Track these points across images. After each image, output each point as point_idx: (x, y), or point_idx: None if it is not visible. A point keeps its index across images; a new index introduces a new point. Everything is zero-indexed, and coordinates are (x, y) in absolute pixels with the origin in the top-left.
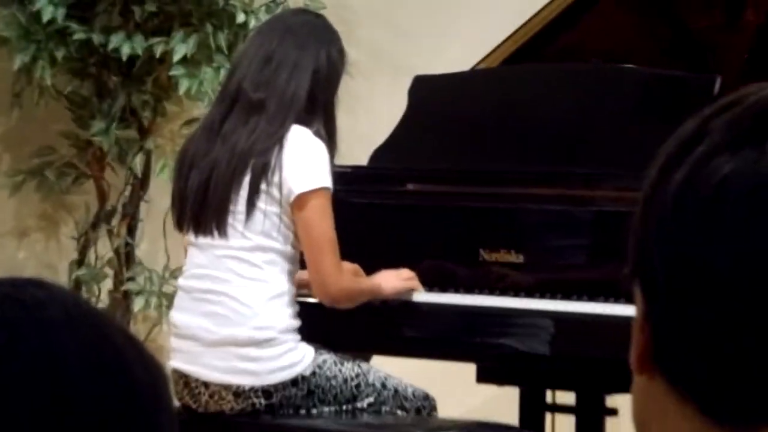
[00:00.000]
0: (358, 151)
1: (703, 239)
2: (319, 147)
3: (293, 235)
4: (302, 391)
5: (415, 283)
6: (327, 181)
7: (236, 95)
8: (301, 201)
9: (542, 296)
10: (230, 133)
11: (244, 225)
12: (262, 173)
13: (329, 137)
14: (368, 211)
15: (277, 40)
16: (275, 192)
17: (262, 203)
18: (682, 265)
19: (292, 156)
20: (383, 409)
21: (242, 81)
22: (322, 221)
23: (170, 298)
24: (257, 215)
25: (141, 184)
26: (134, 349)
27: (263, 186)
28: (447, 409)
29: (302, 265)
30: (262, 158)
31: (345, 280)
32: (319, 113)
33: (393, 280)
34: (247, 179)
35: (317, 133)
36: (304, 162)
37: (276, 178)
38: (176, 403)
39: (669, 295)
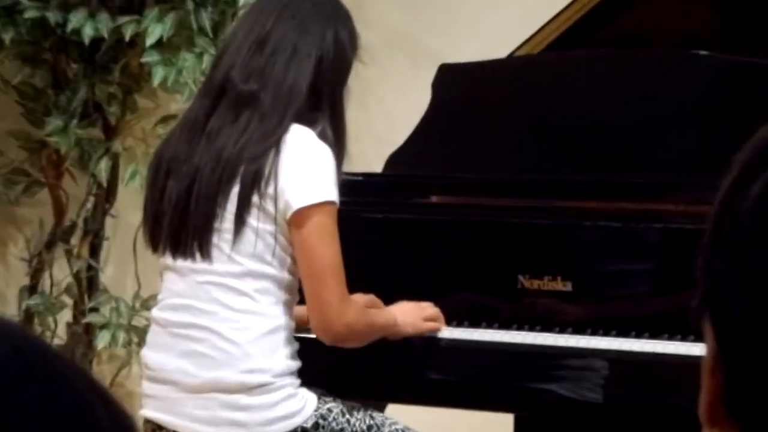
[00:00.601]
0: (371, 155)
1: None
2: (324, 152)
3: (291, 259)
4: None
5: (439, 325)
6: (332, 194)
7: (223, 86)
8: (299, 217)
9: (594, 333)
10: (216, 132)
11: (232, 246)
12: (253, 183)
13: (336, 139)
14: (383, 228)
15: (273, 19)
16: (269, 206)
17: (253, 220)
18: (763, 293)
19: (290, 162)
20: None
21: (230, 69)
22: (324, 243)
23: (142, 333)
24: (248, 234)
25: (106, 194)
26: (98, 396)
27: (255, 199)
28: None
29: (302, 295)
30: (254, 165)
31: (351, 314)
32: (325, 109)
33: (413, 318)
34: (235, 190)
35: (322, 135)
36: (304, 170)
37: (270, 190)
38: None
39: (746, 329)
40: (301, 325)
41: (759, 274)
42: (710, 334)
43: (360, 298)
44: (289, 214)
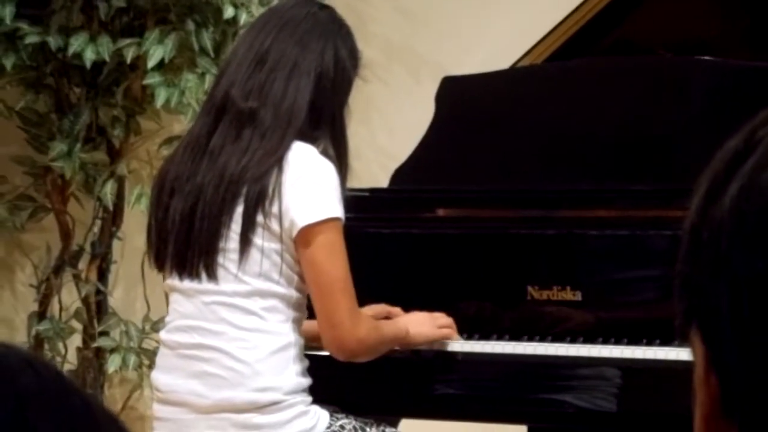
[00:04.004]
0: (376, 170)
1: None
2: (326, 168)
3: (298, 277)
4: None
5: (452, 332)
6: (336, 210)
7: (224, 104)
8: (305, 236)
9: (605, 341)
10: (218, 151)
11: (238, 266)
12: (257, 202)
13: (339, 156)
14: (390, 242)
15: (272, 36)
16: (274, 225)
17: (258, 239)
18: (752, 288)
19: (293, 181)
20: None
21: (230, 87)
22: (331, 260)
23: (152, 356)
24: (253, 254)
25: (113, 217)
26: (114, 426)
27: (260, 218)
28: None
29: (311, 310)
30: (258, 184)
31: (363, 329)
32: (326, 127)
33: (425, 326)
34: (239, 210)
35: (324, 152)
36: (308, 188)
37: (275, 209)
38: None
39: (738, 329)
40: (310, 341)
41: (745, 269)
42: (699, 347)
43: (369, 309)
44: (294, 232)
